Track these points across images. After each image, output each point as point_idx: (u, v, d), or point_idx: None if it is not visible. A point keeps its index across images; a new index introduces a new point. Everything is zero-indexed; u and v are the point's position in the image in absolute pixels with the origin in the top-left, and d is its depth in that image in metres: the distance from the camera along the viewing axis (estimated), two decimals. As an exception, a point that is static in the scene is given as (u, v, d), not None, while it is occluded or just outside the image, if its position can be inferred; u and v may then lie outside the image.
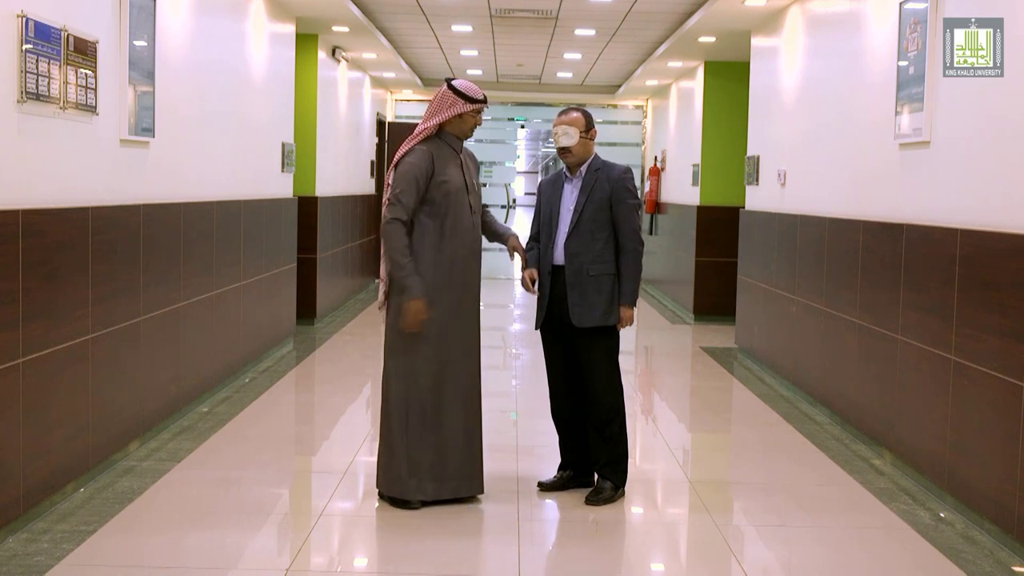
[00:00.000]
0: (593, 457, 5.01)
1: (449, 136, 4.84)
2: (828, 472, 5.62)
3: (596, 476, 5.03)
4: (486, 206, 5.14)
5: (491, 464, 5.25)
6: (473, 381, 4.87)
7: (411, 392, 4.73)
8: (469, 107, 4.79)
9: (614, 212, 4.91)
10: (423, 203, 4.71)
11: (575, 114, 4.98)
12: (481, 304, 4.96)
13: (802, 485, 5.47)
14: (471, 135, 4.89)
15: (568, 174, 5.00)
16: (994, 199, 4.68)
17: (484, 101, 4.84)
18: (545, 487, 5.06)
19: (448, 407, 4.76)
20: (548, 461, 5.33)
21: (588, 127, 4.96)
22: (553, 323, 4.97)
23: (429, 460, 4.73)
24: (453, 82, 4.81)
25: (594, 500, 4.90)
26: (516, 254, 5.02)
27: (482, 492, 4.88)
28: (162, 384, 5.97)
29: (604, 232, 4.90)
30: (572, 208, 4.93)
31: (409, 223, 4.70)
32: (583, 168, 4.97)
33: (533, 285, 4.97)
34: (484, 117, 4.94)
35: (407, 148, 4.79)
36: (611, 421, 4.95)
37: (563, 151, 4.94)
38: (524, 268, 5.01)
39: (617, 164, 5.07)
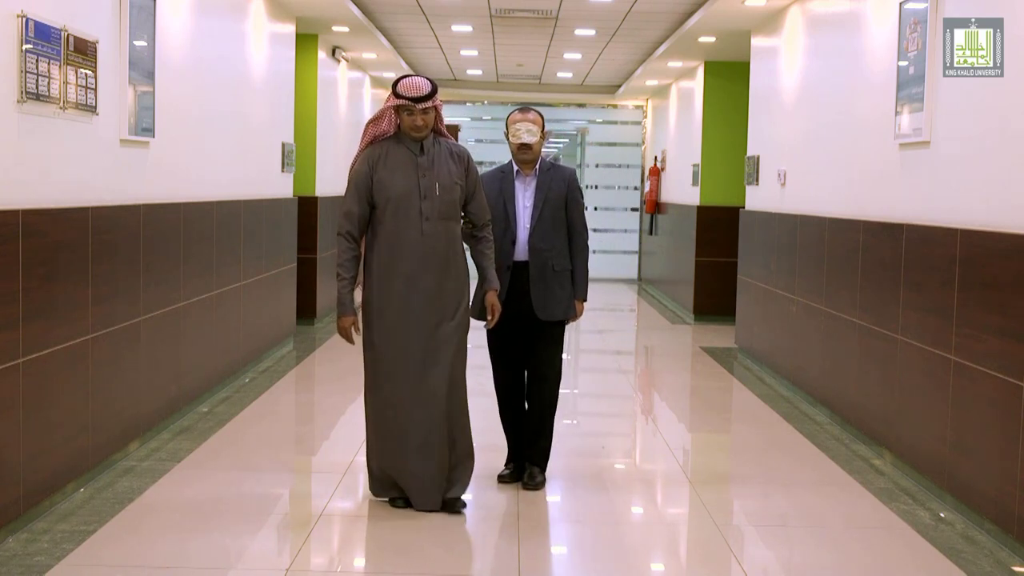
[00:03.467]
0: (525, 446, 5.16)
1: (404, 136, 4.66)
2: (828, 472, 5.62)
3: (527, 463, 5.16)
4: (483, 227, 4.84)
5: (490, 464, 5.25)
6: (428, 396, 4.59)
7: (369, 397, 4.71)
8: (393, 102, 4.58)
9: (569, 211, 5.07)
10: (373, 208, 4.63)
11: (534, 114, 5.07)
12: (457, 312, 4.67)
13: (802, 485, 5.47)
14: (417, 135, 4.59)
15: (521, 172, 5.08)
16: (994, 199, 4.68)
17: (412, 99, 4.51)
18: (506, 479, 5.14)
19: (398, 417, 4.62)
20: (548, 460, 5.32)
21: (544, 127, 5.09)
22: (510, 318, 4.99)
23: (380, 462, 4.69)
24: (400, 78, 4.61)
25: (533, 486, 5.05)
26: (489, 313, 4.84)
27: (437, 508, 4.62)
28: (162, 384, 5.97)
29: (562, 230, 5.05)
30: (530, 205, 5.02)
31: (360, 232, 4.64)
32: (536, 167, 5.07)
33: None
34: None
35: (357, 152, 4.73)
36: (553, 412, 5.16)
37: (524, 147, 5.00)
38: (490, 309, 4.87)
39: (565, 166, 5.23)
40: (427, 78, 4.59)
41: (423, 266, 4.57)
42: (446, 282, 4.63)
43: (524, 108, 5.12)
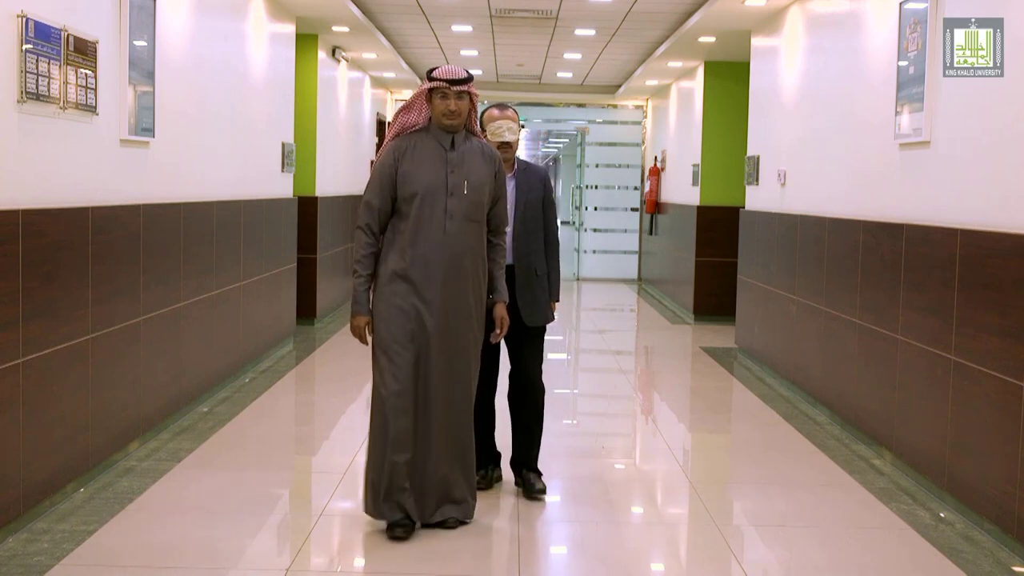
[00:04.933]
0: (521, 454, 5.04)
1: (435, 128, 4.42)
2: (828, 472, 5.62)
3: (523, 470, 5.03)
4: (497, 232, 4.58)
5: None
6: (435, 405, 4.35)
7: (375, 403, 4.39)
8: (427, 85, 4.35)
9: (545, 212, 4.95)
10: (395, 202, 4.38)
11: (511, 111, 4.91)
12: (474, 321, 4.44)
13: (802, 485, 5.47)
14: (449, 124, 4.36)
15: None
16: (994, 199, 4.68)
17: (448, 80, 4.31)
18: (482, 487, 4.93)
19: (401, 426, 4.30)
20: (548, 461, 5.32)
21: (519, 123, 4.96)
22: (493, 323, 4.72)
23: (375, 475, 4.36)
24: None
25: (536, 494, 4.92)
26: (498, 326, 4.57)
27: (421, 522, 4.39)
28: (162, 384, 5.97)
29: (541, 231, 4.93)
30: (512, 207, 4.86)
31: (380, 226, 4.38)
32: (515, 167, 4.93)
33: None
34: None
35: (384, 142, 4.52)
36: (542, 417, 5.04)
37: (505, 146, 4.82)
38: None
39: (538, 166, 5.10)
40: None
41: (442, 268, 4.31)
42: (465, 288, 4.37)
43: (501, 105, 4.93)
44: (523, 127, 4.87)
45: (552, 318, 5.02)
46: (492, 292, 4.56)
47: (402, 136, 4.46)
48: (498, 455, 5.16)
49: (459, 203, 4.33)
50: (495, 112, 4.89)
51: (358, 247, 4.39)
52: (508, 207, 4.79)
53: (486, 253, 4.51)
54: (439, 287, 4.32)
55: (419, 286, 4.32)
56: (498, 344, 4.93)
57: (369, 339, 4.45)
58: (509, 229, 4.80)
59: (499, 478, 5.14)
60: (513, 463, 5.10)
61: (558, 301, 5.07)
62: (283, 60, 9.03)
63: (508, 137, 4.82)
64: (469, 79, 4.37)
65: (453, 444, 4.42)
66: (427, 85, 4.37)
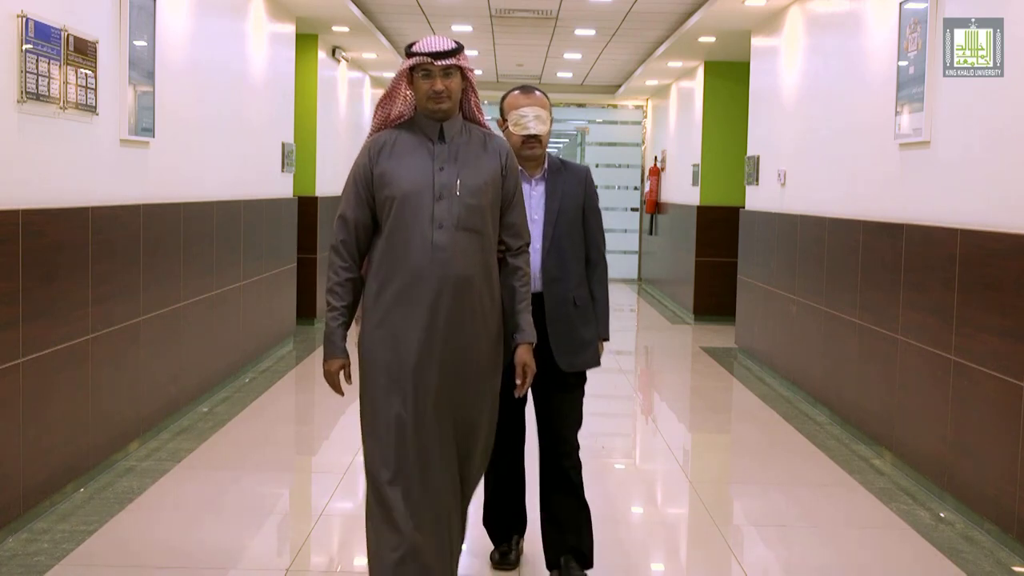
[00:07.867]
0: (561, 535, 3.98)
1: (421, 117, 3.39)
2: (828, 472, 5.62)
3: (563, 558, 3.98)
4: (517, 248, 3.48)
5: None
6: (427, 460, 3.30)
7: (366, 456, 3.44)
8: (407, 63, 3.34)
9: (587, 223, 3.86)
10: (375, 211, 3.41)
11: (540, 95, 3.80)
12: (486, 360, 3.39)
13: (802, 485, 5.47)
14: (436, 109, 3.31)
15: (525, 173, 3.79)
16: (994, 199, 4.69)
17: (430, 54, 3.27)
18: (505, 565, 4.09)
19: (382, 481, 3.33)
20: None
21: (551, 111, 3.86)
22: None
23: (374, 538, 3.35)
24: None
25: None
26: (518, 375, 3.45)
27: None
28: (162, 384, 5.97)
29: (580, 249, 3.84)
30: (540, 218, 3.78)
31: (359, 245, 3.47)
32: (545, 166, 3.83)
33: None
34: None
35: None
36: (580, 477, 4.01)
37: (532, 140, 3.73)
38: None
39: (576, 162, 4.14)
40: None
41: (433, 291, 3.25)
42: (471, 319, 3.31)
43: (526, 88, 3.82)
44: (551, 122, 3.87)
45: (597, 362, 3.93)
46: (514, 331, 3.47)
47: (383, 131, 3.46)
48: (525, 522, 4.19)
49: (450, 208, 3.28)
50: (519, 97, 3.78)
51: (330, 273, 3.46)
52: (536, 218, 3.78)
53: (500, 277, 3.46)
54: (430, 319, 3.27)
55: (404, 320, 3.30)
56: (538, 398, 3.90)
57: (347, 386, 3.55)
58: (537, 246, 3.76)
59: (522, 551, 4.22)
60: (548, 563, 4.01)
61: (607, 340, 3.96)
62: (283, 60, 9.04)
63: (535, 129, 3.72)
64: (458, 50, 3.33)
65: (450, 527, 3.39)
66: (407, 63, 3.35)
